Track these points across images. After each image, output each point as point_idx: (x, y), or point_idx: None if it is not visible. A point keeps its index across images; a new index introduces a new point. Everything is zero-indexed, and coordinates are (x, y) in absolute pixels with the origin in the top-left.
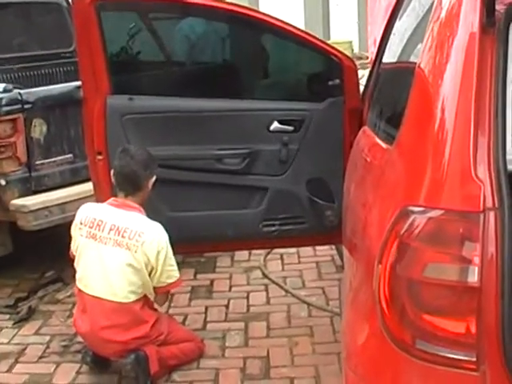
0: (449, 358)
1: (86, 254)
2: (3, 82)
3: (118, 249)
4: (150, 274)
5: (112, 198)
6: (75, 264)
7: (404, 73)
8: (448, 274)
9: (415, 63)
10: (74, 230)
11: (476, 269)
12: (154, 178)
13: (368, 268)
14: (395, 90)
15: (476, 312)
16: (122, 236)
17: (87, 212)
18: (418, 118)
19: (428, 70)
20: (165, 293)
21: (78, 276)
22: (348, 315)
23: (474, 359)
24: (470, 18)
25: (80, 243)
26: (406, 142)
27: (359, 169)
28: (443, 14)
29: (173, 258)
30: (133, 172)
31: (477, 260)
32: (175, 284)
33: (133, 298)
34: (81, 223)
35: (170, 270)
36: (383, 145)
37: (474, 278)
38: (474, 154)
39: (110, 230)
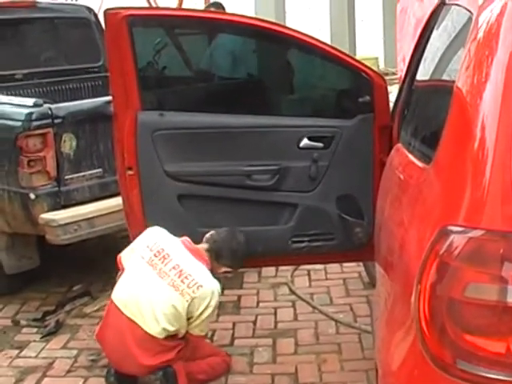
0: (489, 378)
1: (138, 277)
2: (31, 96)
3: (172, 289)
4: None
5: (187, 239)
6: (118, 277)
7: (440, 92)
8: (488, 294)
9: (452, 82)
10: (137, 247)
11: None
12: (224, 270)
13: (406, 287)
14: (431, 109)
15: None
16: (182, 281)
17: (157, 238)
18: (456, 136)
19: (466, 90)
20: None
21: (118, 292)
22: (383, 334)
23: None
24: (509, 38)
25: (137, 264)
26: (444, 161)
27: (393, 187)
28: (481, 34)
29: (213, 316)
30: (224, 246)
31: None
32: (202, 337)
33: (165, 334)
34: (147, 246)
35: (204, 326)
36: (419, 164)
37: None
38: None
39: (173, 268)
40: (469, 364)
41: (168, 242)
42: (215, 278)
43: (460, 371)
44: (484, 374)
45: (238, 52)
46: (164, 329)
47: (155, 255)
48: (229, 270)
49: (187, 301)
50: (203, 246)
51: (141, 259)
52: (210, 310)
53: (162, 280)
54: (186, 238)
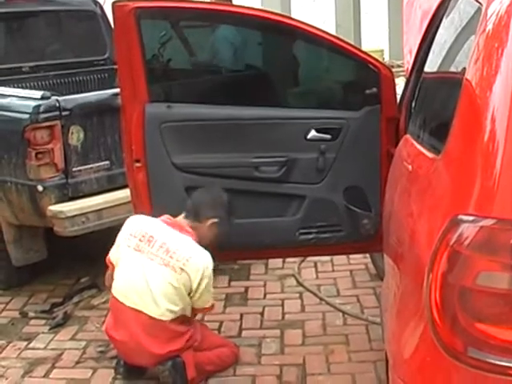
0: (501, 365)
1: (130, 266)
2: (38, 88)
3: (163, 268)
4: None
5: (166, 216)
6: (115, 272)
7: (449, 84)
8: (499, 283)
9: (461, 74)
10: (122, 240)
11: None
12: (212, 222)
13: (417, 277)
14: (440, 101)
15: None
16: (170, 257)
17: (139, 224)
18: (466, 127)
19: (476, 82)
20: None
21: (117, 285)
22: (394, 324)
23: None
24: None
25: (126, 254)
26: (454, 152)
27: (402, 178)
28: (490, 26)
29: (211, 286)
30: (199, 202)
31: None
32: (207, 309)
33: (171, 316)
34: (130, 234)
35: (206, 297)
36: (429, 155)
37: None
38: None
39: (160, 247)
40: (480, 352)
41: (149, 224)
42: (207, 250)
43: (471, 359)
44: (495, 362)
45: (245, 44)
46: (168, 309)
47: (140, 240)
48: (215, 220)
49: (180, 274)
50: (181, 216)
51: (127, 248)
52: (206, 280)
53: (152, 262)
54: (166, 216)
